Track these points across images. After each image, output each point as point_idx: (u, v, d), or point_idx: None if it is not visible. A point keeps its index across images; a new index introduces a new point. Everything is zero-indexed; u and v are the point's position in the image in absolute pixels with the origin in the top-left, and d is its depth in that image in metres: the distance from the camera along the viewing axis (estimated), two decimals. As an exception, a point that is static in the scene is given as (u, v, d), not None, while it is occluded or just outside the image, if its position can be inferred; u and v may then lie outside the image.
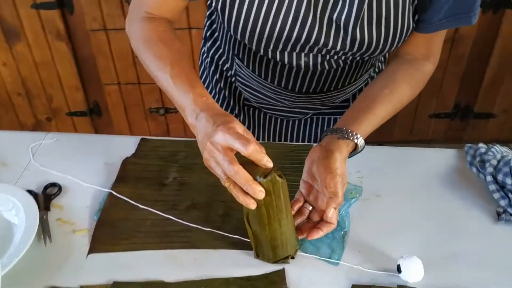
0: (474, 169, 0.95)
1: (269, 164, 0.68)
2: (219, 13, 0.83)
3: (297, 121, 1.11)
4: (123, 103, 2.01)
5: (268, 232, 0.74)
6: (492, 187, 0.88)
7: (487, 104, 2.16)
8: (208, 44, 1.09)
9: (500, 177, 0.88)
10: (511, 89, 2.11)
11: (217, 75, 1.10)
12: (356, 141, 0.79)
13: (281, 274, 0.76)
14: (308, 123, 1.12)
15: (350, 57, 0.88)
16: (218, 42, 1.05)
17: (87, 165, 0.98)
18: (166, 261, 0.79)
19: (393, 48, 0.86)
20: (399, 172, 0.95)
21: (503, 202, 0.86)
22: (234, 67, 1.02)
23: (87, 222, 0.86)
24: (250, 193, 0.66)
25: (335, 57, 0.88)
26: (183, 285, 0.75)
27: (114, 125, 2.10)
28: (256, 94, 1.04)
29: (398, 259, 0.75)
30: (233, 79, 1.05)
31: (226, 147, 0.67)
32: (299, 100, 0.99)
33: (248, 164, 0.68)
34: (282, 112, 1.07)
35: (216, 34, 1.05)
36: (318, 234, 0.76)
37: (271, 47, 0.86)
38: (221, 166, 0.67)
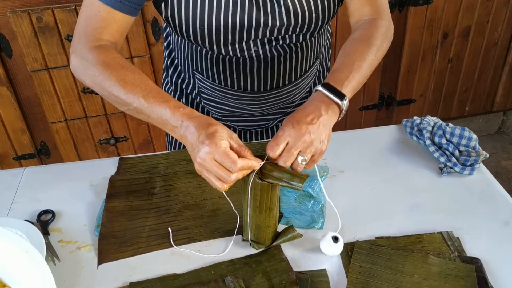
0: (414, 138, 1.12)
1: (257, 165, 0.78)
2: (170, 22, 0.92)
3: (264, 131, 1.20)
4: (72, 139, 2.02)
5: (273, 222, 0.85)
6: (432, 148, 1.05)
7: (406, 91, 2.43)
8: (171, 72, 1.18)
9: (436, 139, 1.06)
10: (423, 76, 2.39)
11: (183, 99, 1.18)
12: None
13: (278, 247, 0.87)
14: (275, 131, 1.20)
15: (294, 38, 0.98)
16: (179, 68, 1.14)
17: (73, 189, 1.04)
18: (173, 257, 0.87)
19: (327, 18, 0.95)
20: (355, 150, 1.11)
21: (442, 159, 1.03)
22: (196, 85, 1.11)
23: (89, 238, 0.92)
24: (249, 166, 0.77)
25: (280, 41, 0.98)
26: (194, 273, 0.84)
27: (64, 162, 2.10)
28: (221, 107, 1.12)
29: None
30: (198, 98, 1.14)
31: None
32: (261, 102, 1.08)
33: None
34: (248, 122, 1.16)
35: (176, 60, 1.14)
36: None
37: (222, 40, 0.94)
38: (224, 167, 0.74)
